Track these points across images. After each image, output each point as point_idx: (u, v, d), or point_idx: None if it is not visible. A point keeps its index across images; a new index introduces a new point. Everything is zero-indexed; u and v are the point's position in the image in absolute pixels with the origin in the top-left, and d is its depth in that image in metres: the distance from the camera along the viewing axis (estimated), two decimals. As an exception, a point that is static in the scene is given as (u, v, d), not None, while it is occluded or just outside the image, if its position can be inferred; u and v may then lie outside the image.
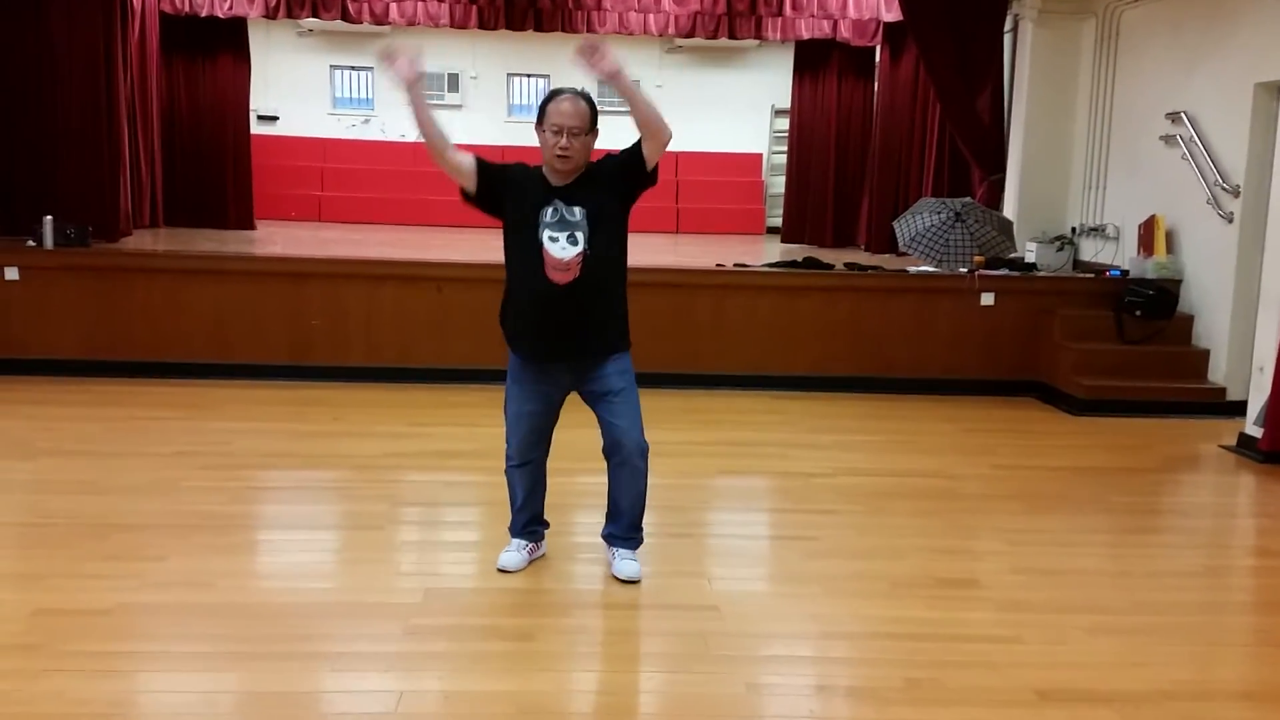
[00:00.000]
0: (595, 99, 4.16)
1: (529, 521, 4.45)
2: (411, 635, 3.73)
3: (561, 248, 4.05)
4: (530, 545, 4.45)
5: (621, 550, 4.37)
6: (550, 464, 5.92)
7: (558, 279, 4.07)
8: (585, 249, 4.07)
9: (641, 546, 4.40)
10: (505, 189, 4.17)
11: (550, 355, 4.20)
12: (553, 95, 4.10)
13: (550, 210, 4.07)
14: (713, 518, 5.34)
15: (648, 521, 4.41)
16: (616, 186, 4.15)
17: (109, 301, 7.85)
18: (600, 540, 4.49)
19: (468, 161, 4.14)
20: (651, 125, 4.00)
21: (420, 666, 3.52)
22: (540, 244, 4.06)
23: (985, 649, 3.76)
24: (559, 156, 4.03)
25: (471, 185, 4.15)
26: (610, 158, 4.19)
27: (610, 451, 4.30)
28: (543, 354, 4.21)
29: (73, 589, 4.02)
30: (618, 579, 4.27)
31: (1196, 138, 7.79)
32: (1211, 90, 7.76)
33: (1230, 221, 7.54)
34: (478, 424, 6.83)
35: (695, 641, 3.77)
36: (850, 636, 3.88)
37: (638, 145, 4.11)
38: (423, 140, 4.13)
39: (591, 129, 4.08)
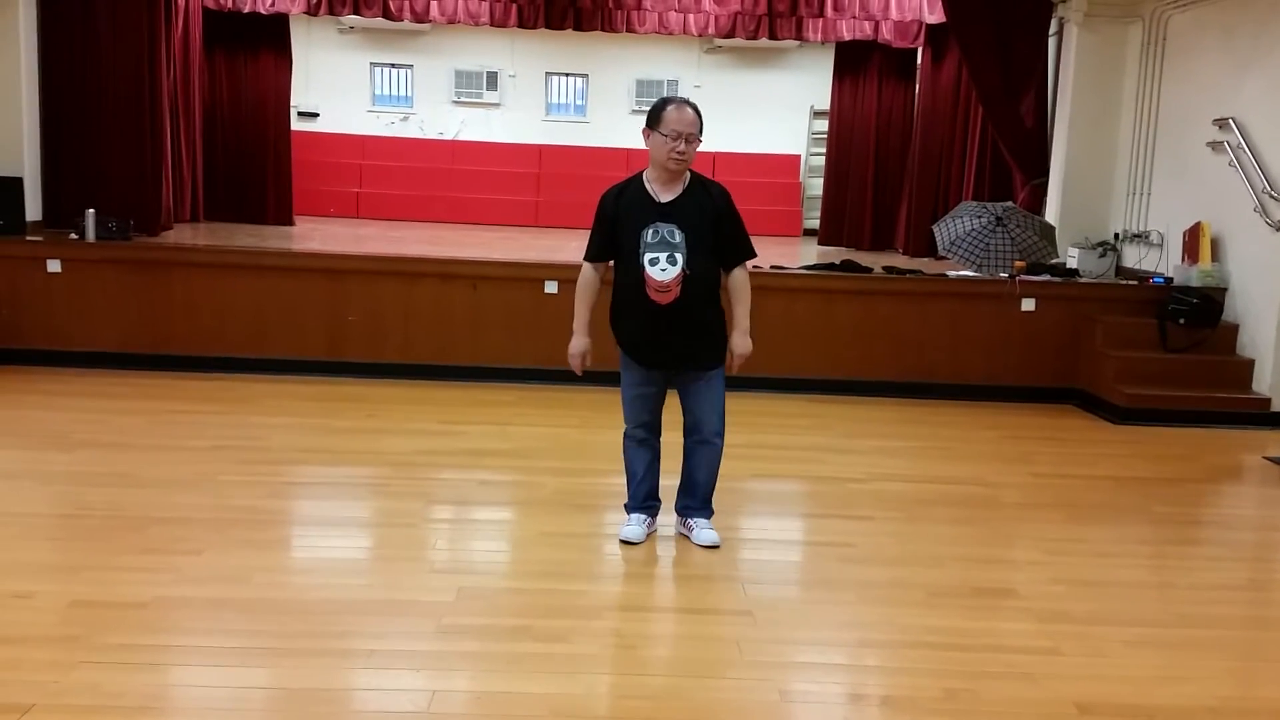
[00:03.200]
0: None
1: (648, 495, 4.72)
2: (444, 634, 3.72)
3: (661, 269, 4.33)
4: (649, 519, 4.75)
5: (698, 520, 4.69)
6: (581, 466, 5.97)
7: (659, 300, 4.37)
8: (685, 269, 4.34)
9: (696, 534, 4.69)
10: (615, 230, 4.45)
11: (654, 365, 4.56)
12: (669, 102, 4.39)
13: (651, 231, 4.36)
14: (747, 522, 5.29)
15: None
16: (714, 229, 4.45)
17: (149, 295, 7.92)
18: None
19: (598, 275, 4.59)
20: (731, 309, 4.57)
21: (452, 666, 3.51)
22: (641, 266, 4.35)
23: (1024, 660, 3.70)
24: (675, 159, 4.32)
25: (609, 261, 4.55)
26: (728, 205, 4.51)
27: (690, 430, 4.64)
28: (647, 363, 4.55)
29: (109, 581, 4.04)
30: (700, 546, 4.62)
31: (1245, 144, 7.66)
32: (1262, 96, 7.63)
33: (1278, 230, 7.41)
34: (512, 423, 6.84)
35: (728, 647, 3.74)
36: (886, 645, 3.83)
37: (739, 257, 4.53)
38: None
39: (701, 136, 4.39)
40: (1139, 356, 7.80)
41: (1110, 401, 7.69)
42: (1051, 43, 9.49)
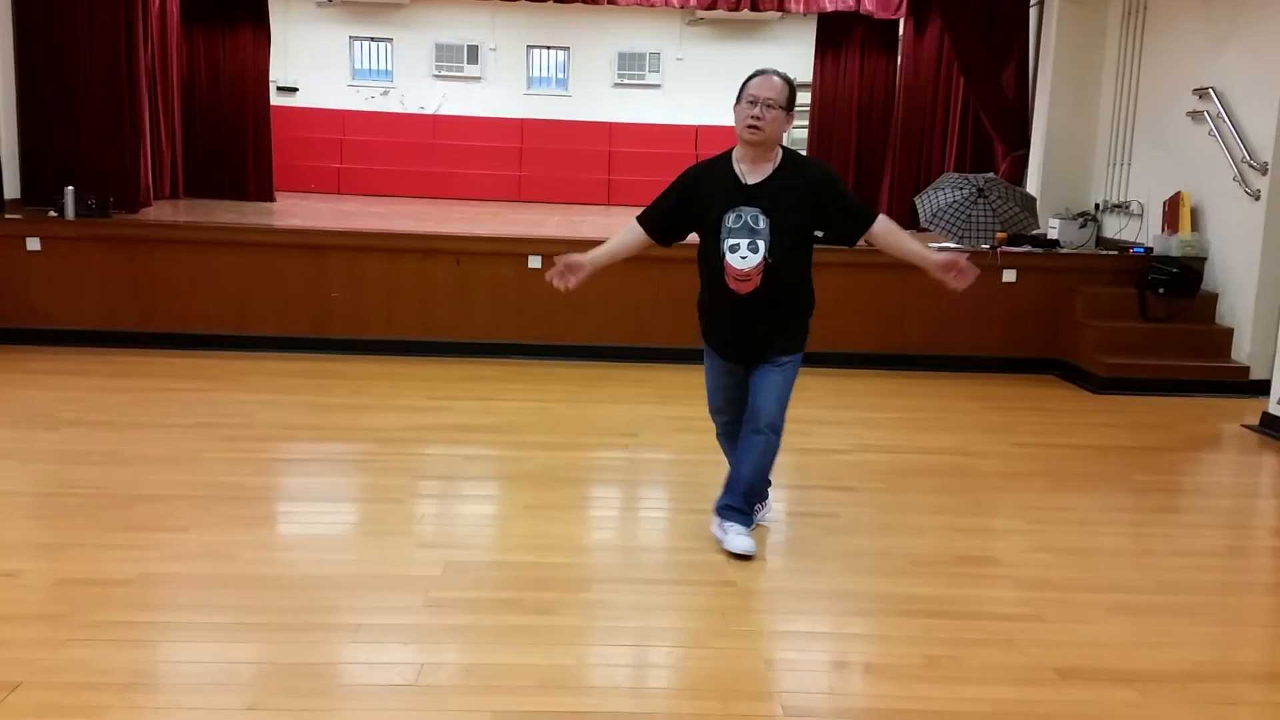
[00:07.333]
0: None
1: None
2: (431, 608, 3.74)
3: (741, 257, 4.07)
4: (760, 507, 4.53)
5: (733, 525, 4.31)
6: (567, 440, 5.98)
7: (738, 289, 4.11)
8: (766, 257, 4.07)
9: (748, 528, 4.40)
10: (691, 211, 4.20)
11: (729, 357, 4.34)
12: (757, 73, 4.17)
13: (734, 215, 4.08)
14: (732, 493, 5.32)
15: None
16: (810, 212, 4.15)
17: (130, 272, 7.88)
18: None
19: (639, 237, 4.28)
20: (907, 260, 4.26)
21: (440, 639, 3.53)
22: (721, 254, 4.10)
23: (1006, 627, 3.75)
24: (749, 127, 4.04)
25: (659, 241, 4.30)
26: (827, 182, 4.18)
27: (746, 419, 4.33)
28: (723, 354, 4.36)
29: (95, 559, 4.04)
30: (730, 554, 4.24)
31: (1224, 114, 7.70)
32: (1241, 66, 7.65)
33: (1257, 199, 7.45)
34: (496, 398, 6.85)
35: (714, 617, 3.78)
36: (870, 613, 3.87)
37: (857, 227, 4.20)
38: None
39: (787, 108, 4.11)
40: (1119, 326, 7.85)
41: (1090, 371, 7.74)
42: (1033, 13, 9.50)
